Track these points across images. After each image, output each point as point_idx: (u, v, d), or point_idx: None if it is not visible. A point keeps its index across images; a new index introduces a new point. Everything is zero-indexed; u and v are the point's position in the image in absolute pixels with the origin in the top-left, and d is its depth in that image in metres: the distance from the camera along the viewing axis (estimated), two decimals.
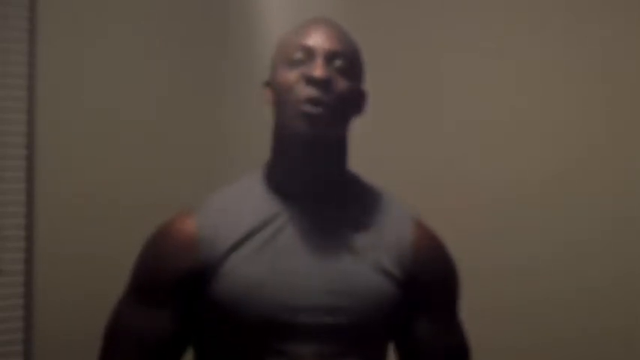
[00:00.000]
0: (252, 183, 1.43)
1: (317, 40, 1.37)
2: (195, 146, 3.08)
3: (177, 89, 3.05)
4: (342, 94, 1.35)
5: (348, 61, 1.37)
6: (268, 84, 1.43)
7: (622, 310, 2.08)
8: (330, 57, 1.36)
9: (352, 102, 1.39)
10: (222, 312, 1.33)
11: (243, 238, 1.35)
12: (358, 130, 2.30)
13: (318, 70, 1.33)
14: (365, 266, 1.36)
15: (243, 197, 1.41)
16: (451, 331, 1.44)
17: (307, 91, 1.33)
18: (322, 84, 1.33)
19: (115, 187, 2.87)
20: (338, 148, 1.40)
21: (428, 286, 1.40)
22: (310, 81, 1.33)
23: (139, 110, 2.95)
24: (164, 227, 1.41)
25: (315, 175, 1.37)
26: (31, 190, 2.72)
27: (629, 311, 2.07)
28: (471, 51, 2.39)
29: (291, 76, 1.36)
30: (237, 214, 1.38)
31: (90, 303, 2.78)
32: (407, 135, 2.54)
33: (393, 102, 2.58)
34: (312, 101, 1.32)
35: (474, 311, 2.30)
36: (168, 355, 1.36)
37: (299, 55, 1.36)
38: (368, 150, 2.58)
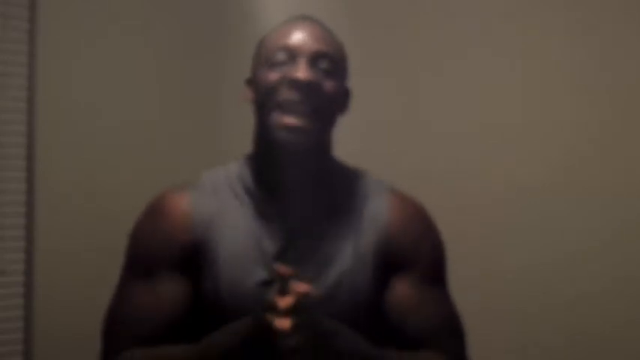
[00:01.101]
0: (240, 172, 1.40)
1: (300, 39, 1.30)
2: (195, 145, 3.08)
3: (177, 88, 3.05)
4: (328, 95, 1.30)
5: (333, 62, 1.32)
6: (250, 82, 1.39)
7: (622, 311, 2.08)
8: (314, 58, 1.30)
9: (337, 102, 1.35)
10: (206, 300, 1.32)
11: (231, 230, 1.33)
12: (360, 129, 2.30)
13: (301, 72, 1.27)
14: (347, 261, 1.33)
15: (232, 186, 1.38)
16: (437, 300, 1.38)
17: (289, 95, 1.27)
18: (306, 87, 1.27)
19: (115, 186, 2.87)
20: (322, 147, 1.36)
21: (407, 256, 1.36)
22: (293, 84, 1.27)
23: (138, 110, 2.95)
24: (157, 204, 1.39)
25: (298, 172, 1.34)
26: (31, 190, 2.72)
27: (629, 312, 2.07)
28: (473, 50, 2.38)
29: (273, 77, 1.30)
30: (228, 205, 1.36)
31: (90, 303, 2.77)
32: (405, 134, 2.53)
33: (393, 102, 2.57)
34: (295, 108, 1.27)
35: (472, 311, 2.30)
36: (179, 328, 1.32)
37: (281, 55, 1.30)
38: (368, 149, 2.58)
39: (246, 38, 3.05)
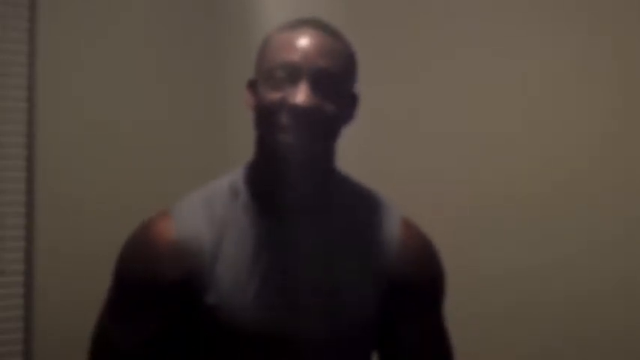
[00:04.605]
0: (235, 187, 1.33)
1: (302, 55, 1.23)
2: (195, 146, 3.08)
3: (177, 88, 3.05)
4: (329, 118, 1.24)
5: (336, 78, 1.25)
6: (252, 84, 1.32)
7: (619, 314, 2.08)
8: (316, 77, 1.23)
9: (341, 119, 1.29)
10: (207, 323, 1.28)
11: (228, 250, 1.28)
12: (358, 132, 2.30)
13: (301, 97, 1.20)
14: (351, 279, 1.31)
15: (226, 203, 1.32)
16: (436, 334, 1.40)
17: (288, 120, 1.22)
18: (306, 112, 1.21)
19: (115, 187, 2.87)
20: (324, 159, 1.31)
21: (413, 287, 1.35)
22: (293, 109, 1.21)
23: (138, 110, 2.95)
24: (142, 233, 1.32)
25: (300, 187, 1.29)
26: (31, 190, 2.72)
27: (627, 314, 2.07)
28: (473, 51, 2.38)
29: (273, 97, 1.23)
30: (222, 223, 1.30)
31: (90, 303, 2.77)
32: (404, 134, 2.53)
33: (392, 102, 2.57)
34: (294, 132, 1.22)
35: (467, 315, 2.30)
36: None
37: (282, 73, 1.23)
38: (367, 150, 2.58)
39: (246, 38, 3.06)
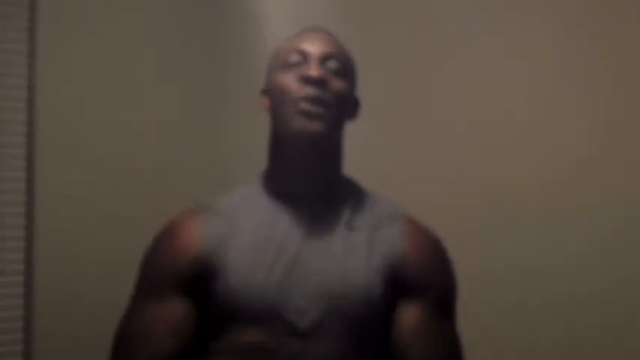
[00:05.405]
0: (252, 190, 1.48)
1: (311, 43, 1.43)
2: (194, 147, 3.08)
3: (177, 89, 3.05)
4: (338, 92, 1.41)
5: (342, 63, 1.43)
6: (265, 92, 1.49)
7: (619, 314, 2.08)
8: (324, 58, 1.42)
9: (347, 103, 1.45)
10: (221, 312, 1.36)
11: (243, 241, 1.38)
12: (362, 128, 2.30)
13: (313, 70, 1.38)
14: (359, 269, 1.37)
15: (243, 203, 1.45)
16: (444, 334, 1.40)
17: (304, 91, 1.38)
18: (319, 83, 1.38)
19: (115, 187, 2.87)
20: (334, 150, 1.44)
21: (420, 284, 1.39)
22: (307, 80, 1.38)
23: (138, 110, 2.95)
24: (169, 227, 1.46)
25: (313, 177, 1.42)
26: (31, 190, 2.72)
27: (627, 314, 2.07)
28: (474, 50, 2.38)
29: (288, 77, 1.41)
30: (239, 219, 1.42)
31: (90, 303, 2.78)
32: (406, 134, 2.54)
33: (393, 102, 2.57)
34: (310, 99, 1.37)
35: (466, 314, 2.30)
36: (184, 346, 1.36)
37: (294, 58, 1.42)
38: (368, 152, 2.58)
39: (246, 38, 3.06)
